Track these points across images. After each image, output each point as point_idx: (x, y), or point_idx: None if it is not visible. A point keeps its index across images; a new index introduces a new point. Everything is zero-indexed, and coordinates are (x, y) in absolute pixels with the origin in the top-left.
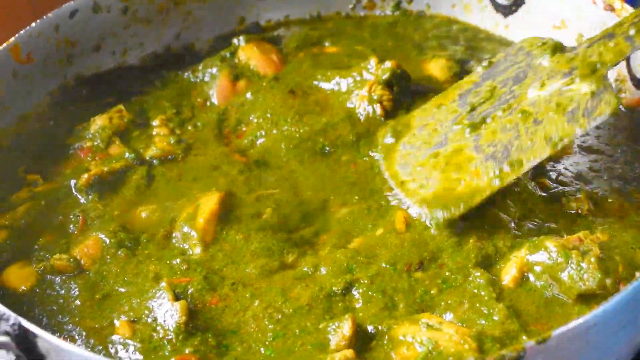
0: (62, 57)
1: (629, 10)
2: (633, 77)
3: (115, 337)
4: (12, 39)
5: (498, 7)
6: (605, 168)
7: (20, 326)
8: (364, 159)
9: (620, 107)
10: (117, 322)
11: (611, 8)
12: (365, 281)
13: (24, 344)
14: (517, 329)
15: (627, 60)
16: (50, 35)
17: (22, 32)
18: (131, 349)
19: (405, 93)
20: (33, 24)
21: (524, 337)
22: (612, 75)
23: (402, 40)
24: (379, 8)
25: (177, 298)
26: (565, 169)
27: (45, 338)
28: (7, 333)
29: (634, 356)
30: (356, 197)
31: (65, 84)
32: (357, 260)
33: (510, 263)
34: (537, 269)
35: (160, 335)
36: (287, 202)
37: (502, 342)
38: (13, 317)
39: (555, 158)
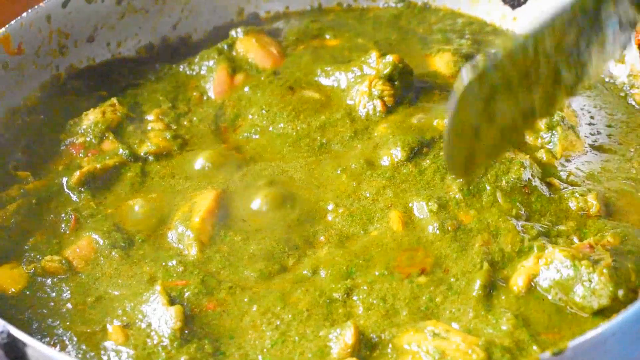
0: (54, 49)
1: None
2: None
3: (107, 343)
4: (2, 29)
5: None
6: (617, 168)
7: (9, 334)
8: (360, 160)
9: (633, 103)
10: (109, 327)
11: None
12: (365, 287)
13: (13, 352)
14: (528, 339)
15: None
16: (41, 26)
17: (12, 22)
18: (124, 355)
19: (408, 88)
20: (24, 14)
21: (535, 347)
22: (624, 71)
23: (405, 34)
24: None
25: (172, 302)
26: (577, 168)
27: (35, 347)
28: None
29: None
30: (353, 196)
31: (57, 76)
32: (356, 264)
33: (517, 272)
34: (545, 284)
35: (155, 342)
36: (285, 201)
37: (511, 352)
38: (1, 324)
39: (566, 157)
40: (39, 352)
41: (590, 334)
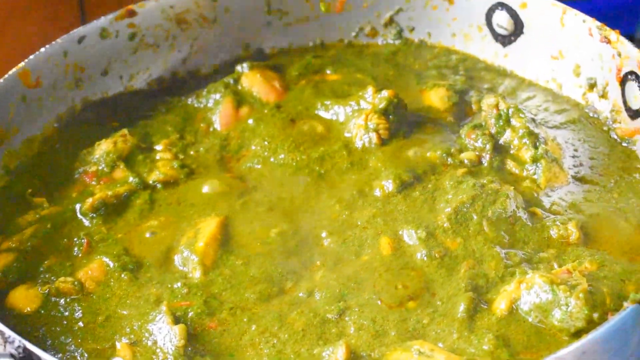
0: (71, 82)
1: (625, 43)
2: (628, 109)
3: None
4: (22, 63)
5: (497, 37)
6: (598, 198)
7: (25, 349)
8: (353, 191)
9: (615, 137)
10: (118, 345)
11: (607, 40)
12: (356, 309)
13: None
14: (507, 358)
15: (622, 91)
16: (58, 61)
17: (31, 57)
18: None
19: (402, 122)
20: (42, 49)
21: None
22: (607, 106)
23: (402, 69)
24: (381, 36)
25: (177, 321)
26: (560, 198)
27: None
28: (12, 355)
29: None
30: (345, 224)
31: (73, 108)
32: (348, 287)
33: (500, 296)
34: (526, 307)
35: (160, 358)
36: (284, 228)
37: None
38: (18, 339)
39: (550, 187)
40: None
41: (562, 352)
